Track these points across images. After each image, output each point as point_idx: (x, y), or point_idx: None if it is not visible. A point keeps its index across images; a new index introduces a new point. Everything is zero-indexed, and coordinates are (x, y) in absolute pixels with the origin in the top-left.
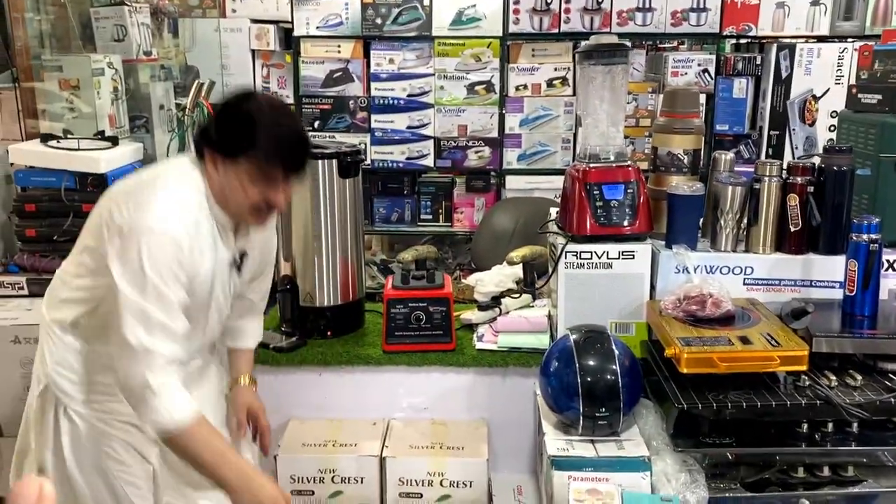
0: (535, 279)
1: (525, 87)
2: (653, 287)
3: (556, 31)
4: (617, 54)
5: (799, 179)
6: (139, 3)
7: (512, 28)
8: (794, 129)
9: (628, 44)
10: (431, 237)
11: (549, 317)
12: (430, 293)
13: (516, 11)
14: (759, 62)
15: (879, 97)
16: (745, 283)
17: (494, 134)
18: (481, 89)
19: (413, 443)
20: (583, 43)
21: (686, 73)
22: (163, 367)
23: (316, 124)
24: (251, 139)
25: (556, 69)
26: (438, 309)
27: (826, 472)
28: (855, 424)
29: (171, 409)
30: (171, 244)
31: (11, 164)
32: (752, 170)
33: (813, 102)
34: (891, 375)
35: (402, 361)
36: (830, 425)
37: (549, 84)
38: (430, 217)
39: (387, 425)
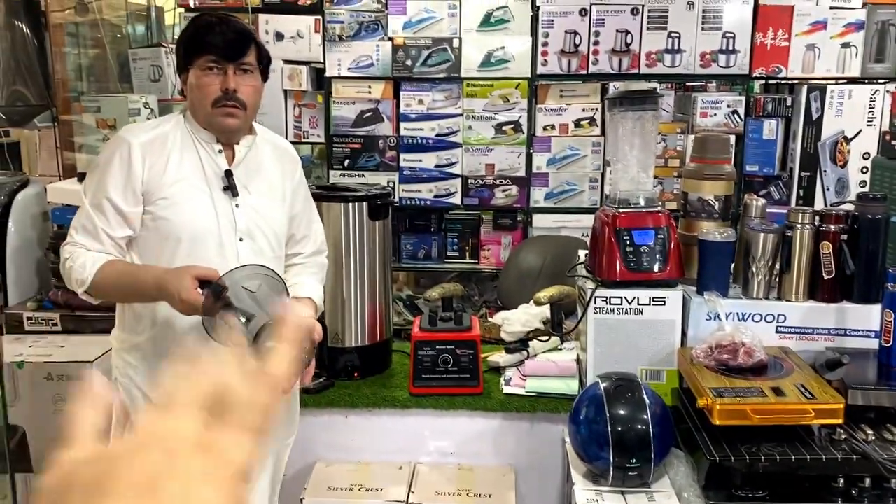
0: (562, 320)
1: (553, 127)
2: (684, 334)
3: (584, 72)
4: (647, 101)
5: (832, 227)
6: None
7: (540, 69)
8: (825, 171)
9: (658, 88)
10: (458, 274)
11: (578, 361)
12: (458, 336)
13: (545, 53)
14: (789, 103)
15: None
16: (777, 332)
17: (522, 173)
18: (509, 129)
19: (439, 489)
20: (612, 88)
21: (715, 114)
22: (75, 244)
23: (346, 163)
24: (181, 43)
25: (584, 109)
26: (466, 352)
27: None
28: (894, 481)
29: (82, 268)
30: (124, 146)
31: (49, 202)
32: (783, 212)
33: (844, 144)
34: None
35: (429, 404)
36: (868, 481)
37: (577, 124)
38: (456, 254)
39: (413, 470)
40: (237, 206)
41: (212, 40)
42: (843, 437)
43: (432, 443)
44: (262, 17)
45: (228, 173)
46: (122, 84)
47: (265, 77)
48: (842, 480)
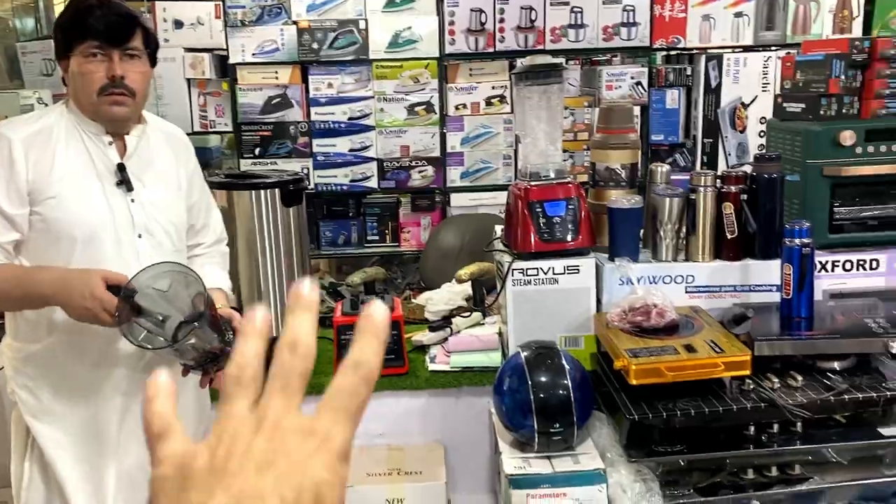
0: (484, 295)
1: (464, 106)
2: (599, 300)
3: (491, 49)
4: (551, 74)
5: (732, 188)
6: None
7: (448, 49)
8: (726, 137)
9: (562, 62)
10: (379, 258)
11: (500, 334)
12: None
13: (451, 32)
14: (689, 73)
15: (803, 105)
16: (687, 292)
17: (437, 153)
18: (421, 110)
19: (370, 470)
20: (517, 64)
21: (620, 87)
22: None
23: (257, 151)
24: (60, 27)
25: (493, 87)
26: (389, 333)
27: (774, 471)
28: (799, 424)
29: None
30: (3, 143)
31: None
32: (687, 178)
33: (742, 110)
34: (829, 374)
35: None
36: (776, 426)
37: (488, 102)
38: (376, 238)
39: None
40: (132, 200)
41: (94, 24)
42: (752, 387)
43: (360, 425)
44: (158, 4)
45: (122, 167)
46: (13, 80)
47: (153, 62)
48: (752, 428)
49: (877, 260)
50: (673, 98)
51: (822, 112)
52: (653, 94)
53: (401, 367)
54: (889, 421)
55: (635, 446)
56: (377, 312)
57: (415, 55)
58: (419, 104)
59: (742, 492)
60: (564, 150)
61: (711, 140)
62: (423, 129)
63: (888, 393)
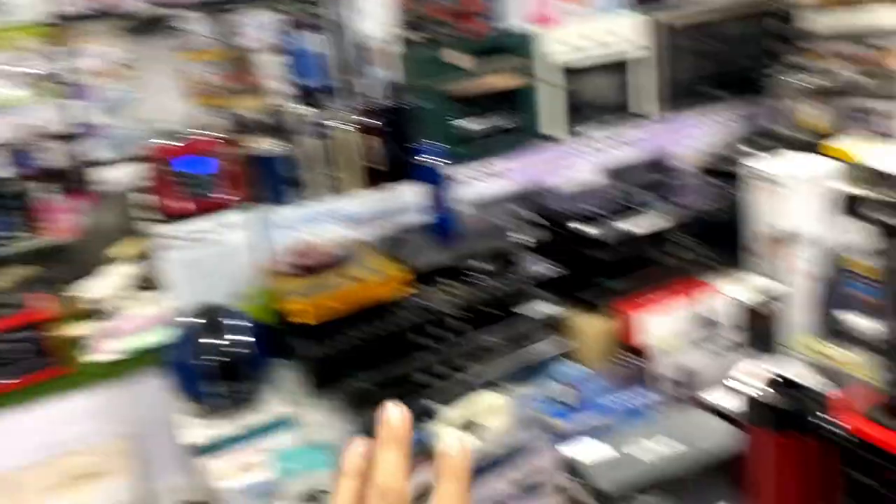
0: (153, 272)
1: (94, 73)
2: (262, 250)
3: (108, 11)
4: (159, 26)
5: (371, 120)
6: None
7: (58, 11)
8: (363, 73)
9: (171, 13)
10: (28, 254)
11: (170, 308)
12: (18, 320)
13: None
14: (321, 15)
15: (423, 34)
16: (343, 226)
17: (73, 128)
18: (41, 82)
19: (46, 484)
20: (127, 21)
21: (255, 35)
22: None
23: None
24: None
25: (120, 49)
26: (34, 335)
27: (449, 368)
28: (461, 322)
29: None
30: None
31: None
32: (332, 117)
33: (374, 46)
34: (476, 275)
35: (11, 402)
36: (443, 329)
37: (119, 66)
38: (12, 234)
39: (13, 478)
40: None
41: None
42: (417, 300)
43: (30, 442)
44: None
45: None
46: None
47: None
48: (424, 336)
49: (502, 166)
50: (310, 41)
51: (436, 38)
52: (291, 38)
53: (59, 367)
54: (525, 301)
55: (322, 383)
56: (393, 418)
57: (13, 19)
58: (36, 76)
59: (422, 393)
60: (208, 106)
61: (351, 78)
62: (46, 101)
63: (521, 279)
